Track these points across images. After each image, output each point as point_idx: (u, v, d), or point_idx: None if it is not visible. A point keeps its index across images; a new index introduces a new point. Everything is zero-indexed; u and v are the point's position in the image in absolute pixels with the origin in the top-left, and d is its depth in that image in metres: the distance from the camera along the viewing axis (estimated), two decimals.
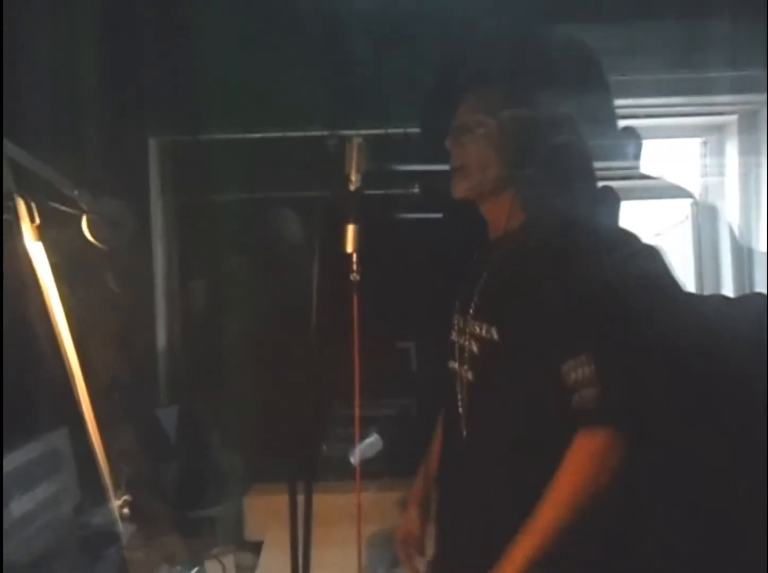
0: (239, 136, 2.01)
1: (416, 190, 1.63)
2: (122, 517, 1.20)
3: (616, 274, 1.02)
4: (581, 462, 0.99)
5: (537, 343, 1.05)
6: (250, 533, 1.74)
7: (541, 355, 1.04)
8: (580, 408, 1.00)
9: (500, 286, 1.14)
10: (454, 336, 1.23)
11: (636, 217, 2.22)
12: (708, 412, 1.05)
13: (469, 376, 1.16)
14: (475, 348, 1.15)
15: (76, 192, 1.08)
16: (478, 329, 1.14)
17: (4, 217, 1.00)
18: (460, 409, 1.18)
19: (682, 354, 1.00)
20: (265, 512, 1.70)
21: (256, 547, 1.67)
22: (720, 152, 2.18)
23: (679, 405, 1.00)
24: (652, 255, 1.10)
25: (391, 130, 1.97)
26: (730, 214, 2.13)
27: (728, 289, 2.11)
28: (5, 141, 1.00)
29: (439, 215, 1.71)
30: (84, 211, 1.10)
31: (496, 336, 1.10)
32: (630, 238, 1.11)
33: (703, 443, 1.05)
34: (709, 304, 1.24)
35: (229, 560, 1.64)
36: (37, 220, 1.02)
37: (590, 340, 1.01)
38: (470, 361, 1.16)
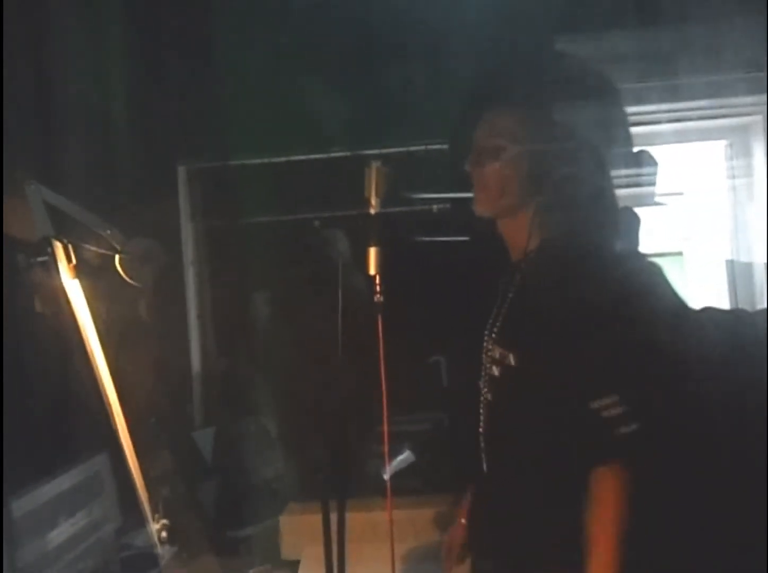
0: (264, 160, 2.06)
1: (435, 209, 1.64)
2: (161, 540, 1.24)
3: (638, 305, 1.02)
4: (616, 494, 1.01)
5: (555, 373, 1.05)
6: (287, 552, 1.75)
7: (559, 384, 1.04)
8: (613, 443, 1.02)
9: (520, 312, 1.14)
10: (483, 358, 1.24)
11: (664, 222, 2.21)
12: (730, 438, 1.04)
13: (489, 397, 1.18)
14: (495, 371, 1.16)
15: (108, 231, 1.13)
16: (497, 353, 1.15)
17: (43, 258, 1.05)
18: (481, 428, 1.21)
19: (709, 383, 1.01)
20: (300, 531, 1.71)
21: (293, 566, 1.69)
22: (746, 153, 2.15)
23: (704, 432, 1.01)
24: (664, 285, 1.09)
25: (413, 148, 2.00)
26: (759, 214, 2.10)
27: (762, 289, 2.08)
28: (43, 188, 1.05)
29: (463, 237, 1.72)
30: (117, 251, 1.15)
31: (513, 362, 1.11)
32: (649, 266, 1.10)
33: (727, 466, 1.04)
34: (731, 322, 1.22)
35: None
36: (74, 260, 1.07)
37: (620, 379, 1.02)
38: (490, 383, 1.18)
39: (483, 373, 1.21)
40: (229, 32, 2.02)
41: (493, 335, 1.18)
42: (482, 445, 1.21)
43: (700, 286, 2.24)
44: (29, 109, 1.63)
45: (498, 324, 1.18)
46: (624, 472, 1.01)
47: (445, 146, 1.95)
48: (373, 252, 1.19)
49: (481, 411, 1.21)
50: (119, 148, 1.92)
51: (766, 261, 2.06)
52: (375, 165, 1.19)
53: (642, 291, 1.03)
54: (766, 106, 2.02)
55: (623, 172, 1.21)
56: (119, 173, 1.92)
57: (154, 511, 1.26)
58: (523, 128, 1.14)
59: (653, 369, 1.00)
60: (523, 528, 1.10)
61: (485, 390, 1.20)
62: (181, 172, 2.18)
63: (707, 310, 1.21)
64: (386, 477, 1.31)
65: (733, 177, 2.19)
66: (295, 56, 1.98)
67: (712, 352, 1.04)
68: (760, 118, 2.07)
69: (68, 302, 1.09)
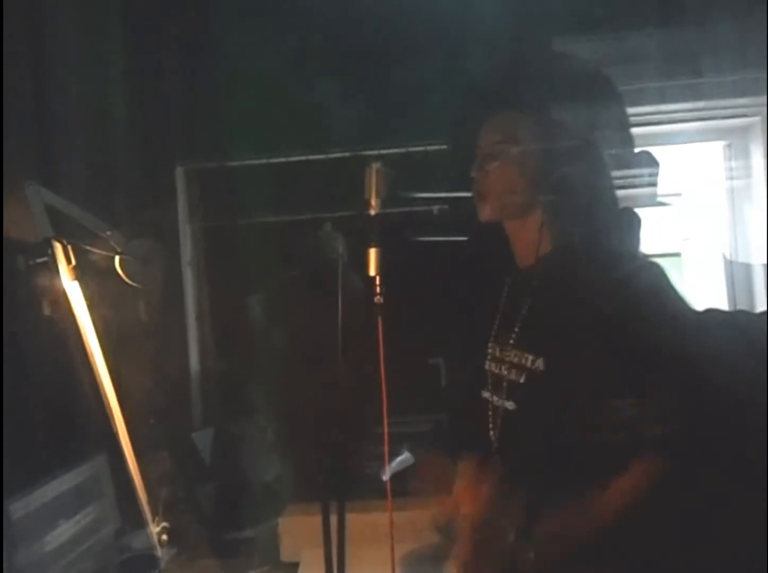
0: (263, 161, 2.06)
1: (435, 210, 1.64)
2: (161, 543, 1.23)
3: (662, 306, 1.03)
4: (637, 482, 1.01)
5: (584, 376, 1.03)
6: (286, 554, 1.74)
7: (588, 388, 1.03)
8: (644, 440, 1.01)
9: (546, 316, 1.12)
10: (488, 365, 1.22)
11: (662, 223, 2.21)
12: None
13: (508, 406, 1.15)
14: (516, 378, 1.14)
15: (108, 232, 1.13)
16: (520, 359, 1.13)
17: (43, 259, 1.05)
18: (492, 438, 1.19)
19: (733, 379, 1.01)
20: (300, 532, 1.71)
21: (292, 568, 1.69)
22: (745, 155, 2.15)
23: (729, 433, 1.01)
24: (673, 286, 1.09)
25: (413, 149, 2.00)
26: (758, 215, 2.10)
27: (761, 290, 2.08)
28: (43, 189, 1.05)
29: (463, 238, 1.72)
30: (117, 252, 1.15)
31: (542, 367, 1.09)
32: (654, 267, 1.10)
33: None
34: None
35: None
36: (73, 261, 1.07)
37: (650, 380, 1.01)
38: (509, 391, 1.15)
39: (491, 380, 1.20)
40: (228, 32, 2.03)
41: (511, 341, 1.16)
42: (494, 453, 1.18)
43: (699, 288, 2.24)
44: (28, 110, 1.62)
45: (517, 329, 1.16)
46: (651, 473, 1.00)
47: (445, 147, 1.95)
48: (373, 253, 1.18)
49: (490, 419, 1.19)
50: (118, 149, 1.92)
51: (765, 262, 2.06)
52: (375, 166, 1.18)
53: (661, 292, 1.05)
54: (765, 107, 2.02)
55: (624, 172, 1.22)
56: (117, 174, 1.91)
57: (154, 512, 1.26)
58: (528, 130, 1.13)
59: (686, 369, 1.00)
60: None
61: (497, 398, 1.17)
62: (179, 172, 2.18)
63: (710, 312, 1.21)
64: (385, 478, 1.30)
65: (732, 178, 2.19)
66: (294, 57, 1.98)
67: (726, 353, 1.03)
68: (759, 119, 2.07)
69: (68, 303, 1.10)
